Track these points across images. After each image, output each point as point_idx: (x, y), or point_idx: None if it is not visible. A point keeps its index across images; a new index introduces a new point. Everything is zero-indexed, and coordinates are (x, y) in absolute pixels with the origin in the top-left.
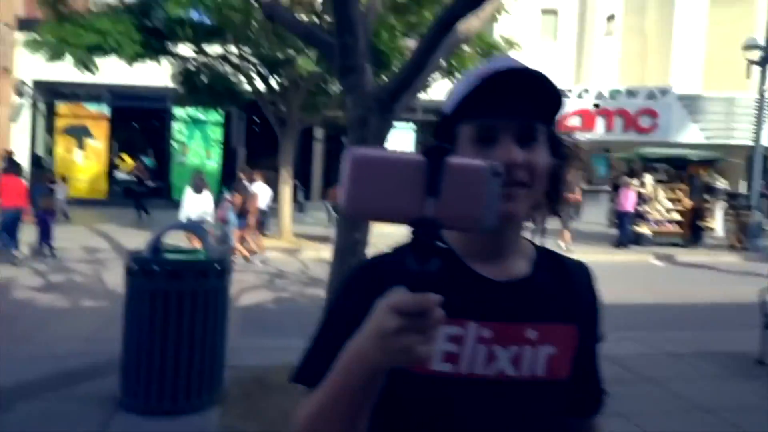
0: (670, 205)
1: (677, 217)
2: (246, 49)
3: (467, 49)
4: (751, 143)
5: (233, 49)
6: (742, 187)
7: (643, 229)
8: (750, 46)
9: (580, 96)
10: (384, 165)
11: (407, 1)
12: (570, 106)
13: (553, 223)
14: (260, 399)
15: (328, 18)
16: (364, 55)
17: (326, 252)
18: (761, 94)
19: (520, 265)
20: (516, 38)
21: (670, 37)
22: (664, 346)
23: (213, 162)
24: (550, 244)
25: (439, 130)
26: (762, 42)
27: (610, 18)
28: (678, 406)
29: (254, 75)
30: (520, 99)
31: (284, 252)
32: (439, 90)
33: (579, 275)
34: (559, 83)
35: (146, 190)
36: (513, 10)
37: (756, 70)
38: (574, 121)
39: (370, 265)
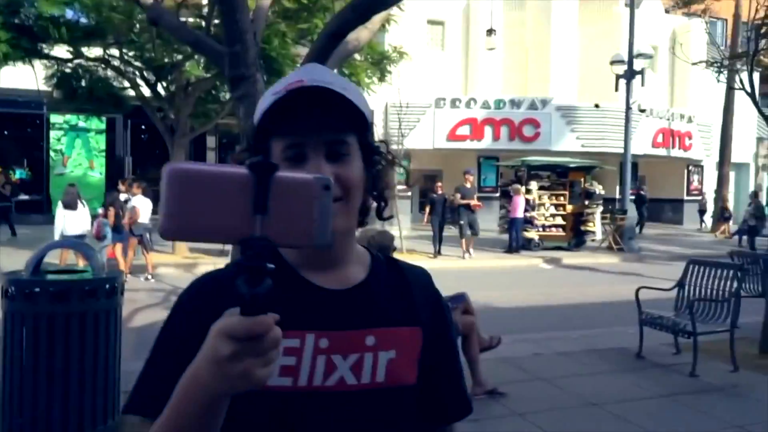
0: (554, 210)
1: (561, 222)
2: (129, 52)
3: (359, 58)
4: (621, 151)
5: (115, 51)
6: (616, 193)
7: (532, 235)
8: (615, 61)
9: (468, 105)
10: (206, 180)
11: (297, 8)
12: (459, 114)
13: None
14: None
15: (216, 21)
16: (255, 64)
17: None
18: (627, 106)
19: (356, 272)
20: (405, 48)
21: (548, 50)
22: (555, 345)
23: (96, 173)
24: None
25: (252, 144)
26: (625, 57)
27: (490, 32)
28: (570, 402)
29: (139, 80)
30: (324, 114)
31: (179, 268)
32: None
33: (418, 279)
34: (448, 91)
35: (10, 204)
36: (402, 21)
37: (622, 83)
38: (463, 131)
39: (204, 282)
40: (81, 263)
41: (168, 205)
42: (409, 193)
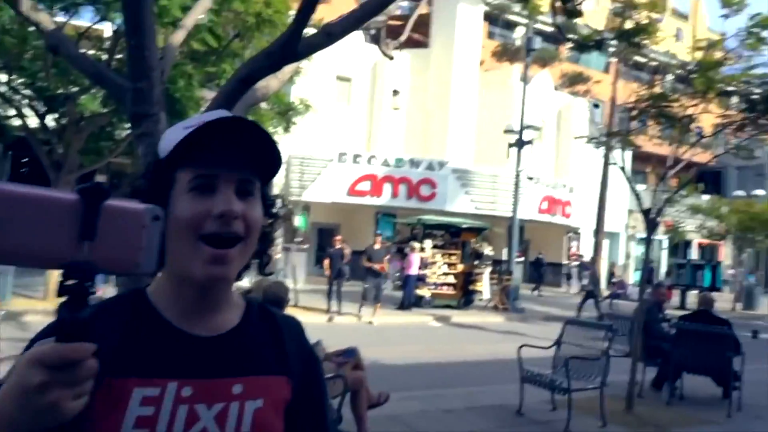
0: (446, 269)
1: (452, 280)
2: (18, 79)
3: (265, 107)
4: (510, 215)
5: (2, 77)
6: (505, 254)
7: (424, 292)
8: (508, 131)
9: (369, 162)
10: (30, 203)
11: (206, 51)
12: (360, 170)
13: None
14: None
15: (118, 56)
16: (160, 102)
17: None
18: (517, 173)
19: (229, 318)
20: (312, 101)
21: (447, 114)
22: (439, 403)
23: None
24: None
25: (153, 175)
26: (516, 128)
27: (395, 93)
28: None
29: (26, 109)
30: (241, 151)
31: (48, 315)
32: None
33: (290, 329)
34: (351, 147)
35: None
36: (311, 74)
37: (513, 151)
38: (364, 186)
39: (47, 331)
40: None
41: None
42: (306, 246)
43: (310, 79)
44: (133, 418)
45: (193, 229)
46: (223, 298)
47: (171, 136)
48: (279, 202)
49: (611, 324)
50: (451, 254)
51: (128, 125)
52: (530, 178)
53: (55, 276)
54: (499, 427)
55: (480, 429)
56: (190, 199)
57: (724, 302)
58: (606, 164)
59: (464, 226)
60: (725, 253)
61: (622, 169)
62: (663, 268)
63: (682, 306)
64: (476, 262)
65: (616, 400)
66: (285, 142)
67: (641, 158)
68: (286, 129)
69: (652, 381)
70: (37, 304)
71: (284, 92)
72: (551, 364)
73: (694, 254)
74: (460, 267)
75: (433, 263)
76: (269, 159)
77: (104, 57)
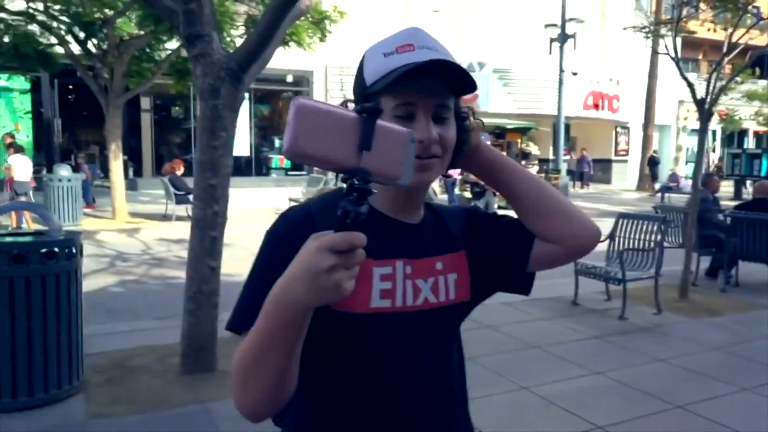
0: None
1: None
2: (54, 5)
3: (301, 19)
4: (555, 113)
5: (39, 5)
6: (551, 153)
7: (468, 194)
8: (549, 25)
9: None
10: (325, 116)
11: None
12: None
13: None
14: (125, 382)
15: None
16: (210, 23)
17: (167, 231)
18: (561, 69)
19: (420, 213)
20: (346, 8)
21: (484, 13)
22: (498, 296)
23: (23, 136)
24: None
25: (362, 99)
26: (558, 21)
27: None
28: (514, 346)
29: (68, 36)
30: (436, 81)
31: (122, 233)
32: (273, 59)
33: (448, 215)
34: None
35: None
36: None
37: (555, 46)
38: None
39: (295, 213)
40: (28, 225)
41: (293, 129)
42: None
43: None
44: (378, 290)
45: None
46: (422, 197)
47: (373, 64)
48: (470, 113)
49: (665, 216)
50: None
51: (166, 45)
52: (574, 74)
53: (121, 197)
54: (558, 317)
55: (540, 318)
56: (393, 122)
57: None
58: (654, 54)
59: (509, 126)
60: None
61: (673, 59)
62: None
63: (737, 196)
64: (523, 162)
65: (670, 289)
66: (322, 51)
67: (692, 45)
68: (322, 39)
69: (706, 270)
70: (107, 223)
71: (317, 1)
72: (604, 257)
73: (750, 143)
74: None
75: None
76: (461, 82)
77: None
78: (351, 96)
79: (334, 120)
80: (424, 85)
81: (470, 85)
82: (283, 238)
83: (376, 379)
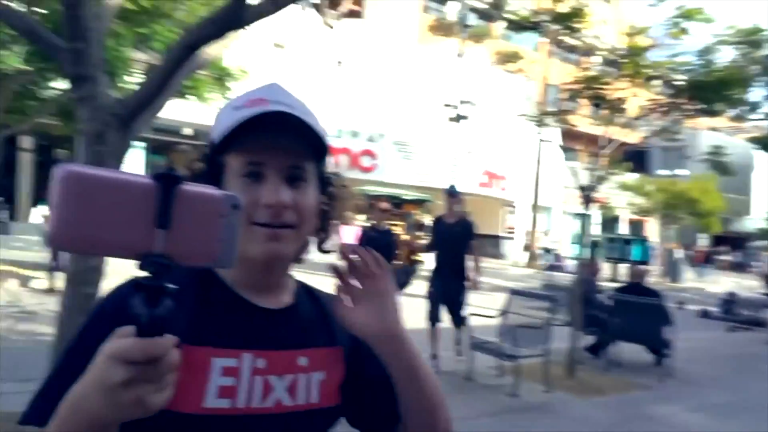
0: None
1: (397, 251)
2: None
3: (202, 73)
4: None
5: None
6: None
7: None
8: (447, 105)
9: None
10: (104, 187)
11: (137, 11)
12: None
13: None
14: None
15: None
16: (99, 64)
17: (41, 281)
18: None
19: (285, 296)
20: (247, 67)
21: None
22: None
23: None
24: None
25: (206, 157)
26: (456, 102)
27: (339, 63)
28: None
29: None
30: (289, 138)
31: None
32: (169, 110)
33: (331, 304)
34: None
35: None
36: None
37: (453, 124)
38: None
39: (119, 295)
40: None
41: (60, 211)
42: None
43: (245, 45)
44: (216, 387)
45: (245, 217)
46: (284, 277)
47: (223, 119)
48: (336, 179)
49: (554, 295)
50: (395, 224)
51: (53, 84)
52: (468, 152)
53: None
54: (452, 392)
55: None
56: (240, 185)
57: (652, 276)
58: (540, 141)
59: (406, 197)
60: (652, 228)
61: (560, 146)
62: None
63: (613, 279)
64: (418, 233)
65: (556, 366)
66: (222, 104)
67: (573, 136)
68: (223, 95)
69: (588, 347)
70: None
71: (219, 58)
72: (496, 333)
73: (623, 229)
74: (405, 237)
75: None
76: (315, 142)
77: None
78: None
79: (119, 192)
80: (274, 141)
81: (323, 146)
82: (99, 324)
83: None
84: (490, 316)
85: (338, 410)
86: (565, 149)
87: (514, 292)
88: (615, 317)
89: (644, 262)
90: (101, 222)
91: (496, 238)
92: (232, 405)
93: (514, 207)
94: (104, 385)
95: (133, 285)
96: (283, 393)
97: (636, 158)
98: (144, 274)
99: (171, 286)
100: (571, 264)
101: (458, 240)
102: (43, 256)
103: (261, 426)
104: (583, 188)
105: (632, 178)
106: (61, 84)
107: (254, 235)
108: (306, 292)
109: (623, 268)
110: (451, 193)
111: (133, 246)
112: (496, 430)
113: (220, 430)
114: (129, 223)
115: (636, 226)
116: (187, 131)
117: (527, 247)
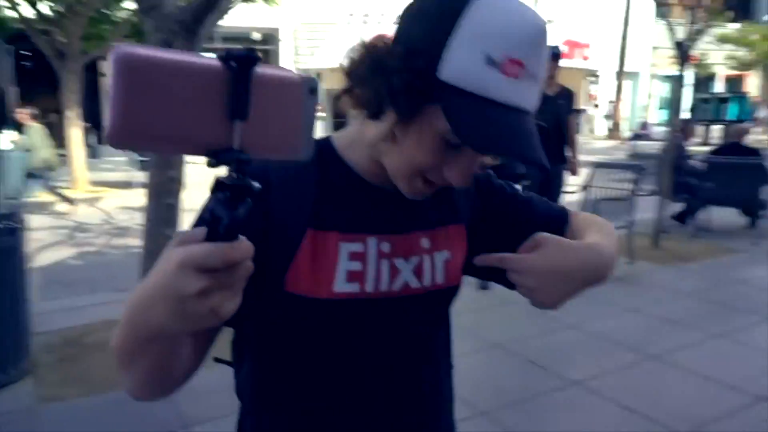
0: None
1: None
2: None
3: None
4: None
5: None
6: None
7: None
8: None
9: (378, 21)
10: (169, 72)
11: None
12: (369, 31)
13: None
14: (78, 362)
15: None
16: None
17: (130, 198)
18: None
19: None
20: None
21: None
22: None
23: None
24: None
25: (414, 78)
26: None
27: None
28: (488, 302)
29: None
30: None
31: (82, 202)
32: (236, 16)
33: None
34: (358, 6)
35: None
36: None
37: None
38: None
39: (250, 171)
40: None
41: (117, 103)
42: (324, 114)
43: None
44: (344, 271)
45: (418, 170)
46: None
47: (465, 54)
48: None
49: (640, 164)
50: None
51: (125, 5)
52: (549, 21)
53: (80, 166)
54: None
55: None
56: (431, 142)
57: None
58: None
59: None
60: (753, 84)
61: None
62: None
63: (704, 142)
64: None
65: (642, 237)
66: (289, 6)
67: None
68: None
69: (675, 215)
70: (68, 192)
71: None
72: (579, 208)
73: (719, 88)
74: None
75: None
76: None
77: None
78: (317, 56)
79: (187, 78)
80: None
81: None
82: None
83: (339, 375)
84: (571, 192)
85: (457, 289)
86: (658, 3)
87: (598, 165)
88: (707, 181)
89: (743, 121)
90: (166, 113)
91: (578, 112)
92: (361, 289)
93: (597, 76)
94: (176, 295)
95: (214, 185)
96: (410, 275)
97: (739, 5)
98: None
99: (255, 184)
100: (658, 131)
101: (561, 115)
102: (133, 175)
103: (389, 309)
104: (678, 45)
105: (733, 28)
106: (131, 4)
107: (412, 182)
108: None
109: (717, 131)
110: (555, 55)
111: (206, 140)
112: (577, 304)
113: (351, 313)
114: (199, 113)
115: (734, 83)
116: (256, 36)
117: (609, 116)
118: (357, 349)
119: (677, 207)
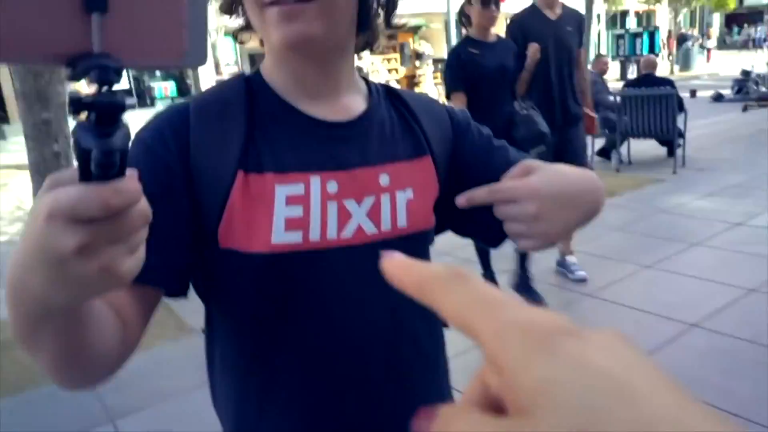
0: (388, 75)
1: (396, 85)
2: None
3: None
4: (445, 10)
5: None
6: (446, 52)
7: None
8: None
9: None
10: None
11: None
12: None
13: None
14: None
15: None
16: None
17: None
18: None
19: (355, 102)
20: None
21: None
22: None
23: None
24: None
25: None
26: None
27: None
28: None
29: None
30: None
31: None
32: None
33: (420, 104)
34: None
35: None
36: None
37: None
38: None
39: (171, 113)
40: None
41: None
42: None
43: None
44: (282, 220)
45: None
46: (343, 76)
47: None
48: None
49: None
50: (389, 59)
51: None
52: None
53: None
54: None
55: None
56: None
57: (663, 67)
58: None
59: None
60: (663, 18)
61: None
62: (602, 42)
63: (622, 77)
64: (417, 63)
65: None
66: None
67: None
68: None
69: (597, 151)
70: None
71: None
72: None
73: (631, 24)
74: (402, 71)
75: (375, 71)
76: None
77: None
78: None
79: None
80: None
81: None
82: (146, 150)
83: (300, 338)
84: None
85: (430, 233)
86: None
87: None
88: (624, 114)
89: (654, 54)
90: (14, 13)
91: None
92: (304, 239)
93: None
94: (52, 256)
95: (70, 105)
96: (364, 219)
97: None
98: (86, 90)
99: (129, 99)
100: None
101: (570, 48)
102: None
103: (343, 260)
104: None
105: None
106: None
107: (268, 18)
108: (385, 93)
109: (634, 66)
110: None
111: (64, 44)
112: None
113: (297, 268)
114: (53, 10)
115: (644, 17)
116: None
117: None
118: (314, 309)
119: (600, 143)
